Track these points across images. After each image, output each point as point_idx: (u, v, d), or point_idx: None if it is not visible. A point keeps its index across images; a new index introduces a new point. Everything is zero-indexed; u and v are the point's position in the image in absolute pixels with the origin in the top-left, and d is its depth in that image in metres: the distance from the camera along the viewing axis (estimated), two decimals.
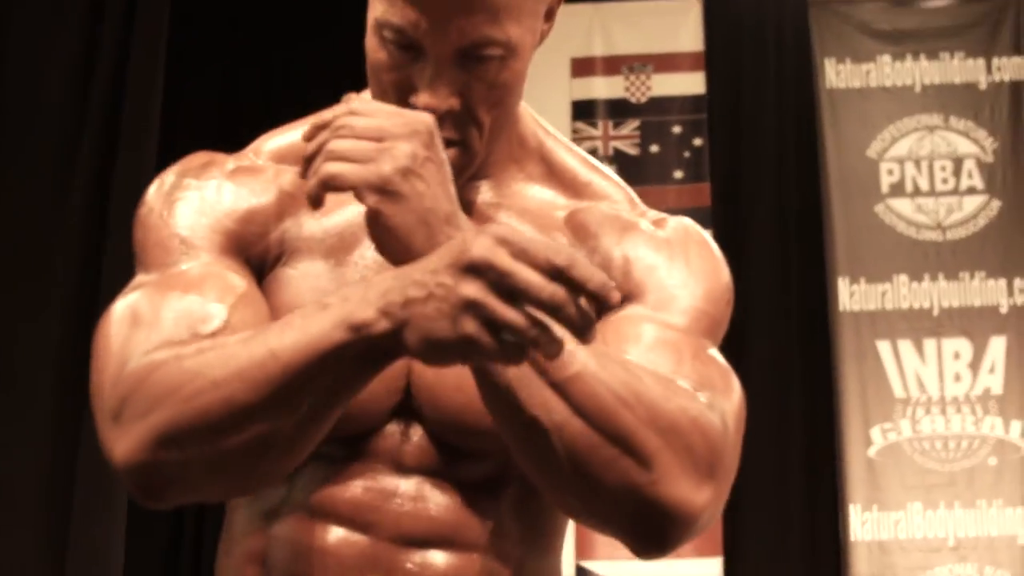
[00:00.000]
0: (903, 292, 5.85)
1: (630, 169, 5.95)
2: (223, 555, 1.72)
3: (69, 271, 4.69)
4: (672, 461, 1.45)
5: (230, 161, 1.70)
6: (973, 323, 5.80)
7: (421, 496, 1.64)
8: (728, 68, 6.16)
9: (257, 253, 1.65)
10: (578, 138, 5.98)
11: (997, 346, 5.78)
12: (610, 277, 1.41)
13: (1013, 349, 5.76)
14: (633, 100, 6.07)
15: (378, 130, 1.44)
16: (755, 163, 6.08)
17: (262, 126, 1.82)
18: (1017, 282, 5.85)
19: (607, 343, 1.55)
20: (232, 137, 1.93)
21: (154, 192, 1.67)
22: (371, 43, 1.59)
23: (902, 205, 5.97)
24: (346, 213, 1.66)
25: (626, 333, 1.58)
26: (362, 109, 1.47)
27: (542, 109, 6.10)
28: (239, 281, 1.58)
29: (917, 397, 5.73)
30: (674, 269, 1.66)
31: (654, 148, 6.03)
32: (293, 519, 1.64)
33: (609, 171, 1.81)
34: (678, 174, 6.00)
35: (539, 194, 1.73)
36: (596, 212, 1.72)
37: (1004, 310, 5.82)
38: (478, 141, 1.61)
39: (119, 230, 4.54)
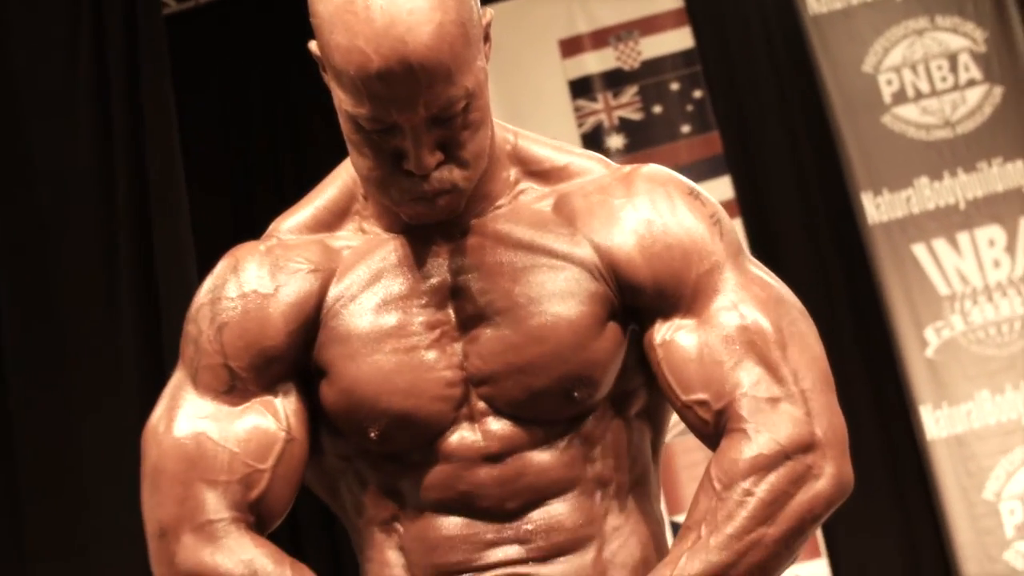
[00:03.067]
0: (927, 194, 5.94)
1: (637, 134, 6.09)
2: (366, 562, 1.95)
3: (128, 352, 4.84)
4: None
5: (258, 253, 1.90)
6: (1000, 208, 5.88)
7: (513, 472, 1.85)
8: (712, 17, 6.25)
9: (300, 346, 1.86)
10: (582, 115, 6.10)
11: None
12: (609, 263, 1.81)
13: None
14: (627, 68, 6.18)
15: None
16: (757, 102, 6.18)
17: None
18: None
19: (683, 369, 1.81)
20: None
21: (200, 308, 1.89)
22: (347, 127, 1.77)
23: (908, 111, 6.05)
24: (376, 259, 1.88)
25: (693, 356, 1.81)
26: None
27: (539, 94, 6.23)
28: (280, 427, 1.83)
29: (962, 291, 5.82)
30: (666, 242, 1.85)
31: (657, 109, 6.14)
32: (414, 522, 1.88)
33: (580, 149, 2.00)
34: (685, 129, 6.11)
35: (525, 195, 1.91)
36: (579, 197, 1.90)
37: None
38: (471, 175, 1.80)
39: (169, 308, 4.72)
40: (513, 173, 1.92)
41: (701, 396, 1.78)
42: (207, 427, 1.82)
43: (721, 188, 5.90)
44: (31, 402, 4.77)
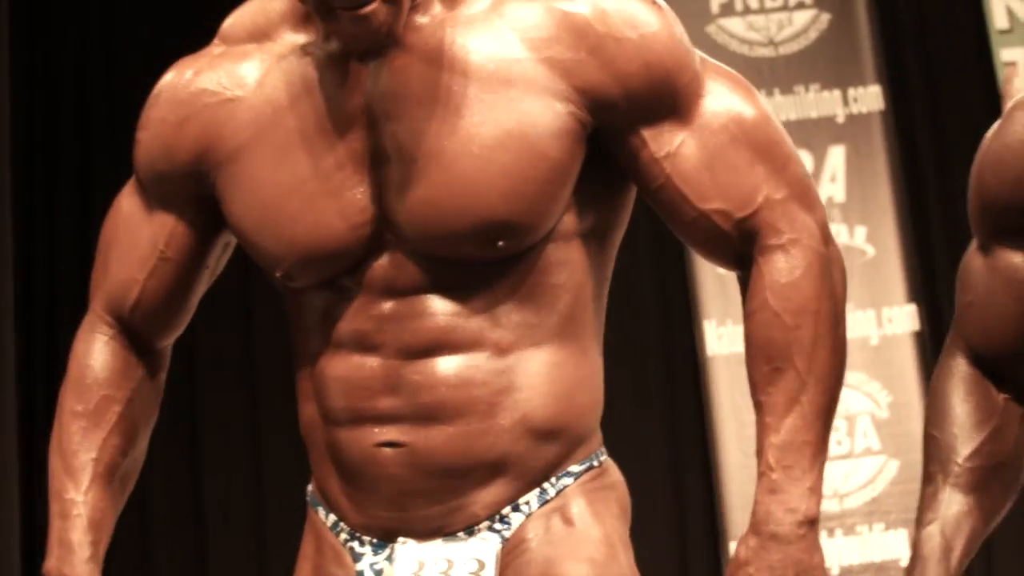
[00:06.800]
0: None
1: None
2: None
3: None
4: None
5: (188, 69, 1.87)
6: (811, 134, 5.81)
7: (419, 312, 1.75)
8: None
9: (200, 177, 1.86)
10: None
11: (836, 155, 5.82)
12: (571, 84, 1.71)
13: (852, 157, 5.80)
14: None
15: None
16: None
17: None
18: (851, 92, 5.88)
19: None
20: None
21: (142, 117, 1.92)
22: None
23: (733, 24, 5.96)
24: (291, 82, 1.78)
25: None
26: None
27: None
28: (165, 239, 1.91)
29: None
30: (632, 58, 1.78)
31: None
32: (322, 354, 1.82)
33: None
34: None
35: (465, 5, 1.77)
36: (527, 6, 1.77)
37: (841, 120, 5.86)
38: None
39: None
40: None
41: (719, 205, 1.78)
42: (116, 230, 1.97)
43: None
44: None
